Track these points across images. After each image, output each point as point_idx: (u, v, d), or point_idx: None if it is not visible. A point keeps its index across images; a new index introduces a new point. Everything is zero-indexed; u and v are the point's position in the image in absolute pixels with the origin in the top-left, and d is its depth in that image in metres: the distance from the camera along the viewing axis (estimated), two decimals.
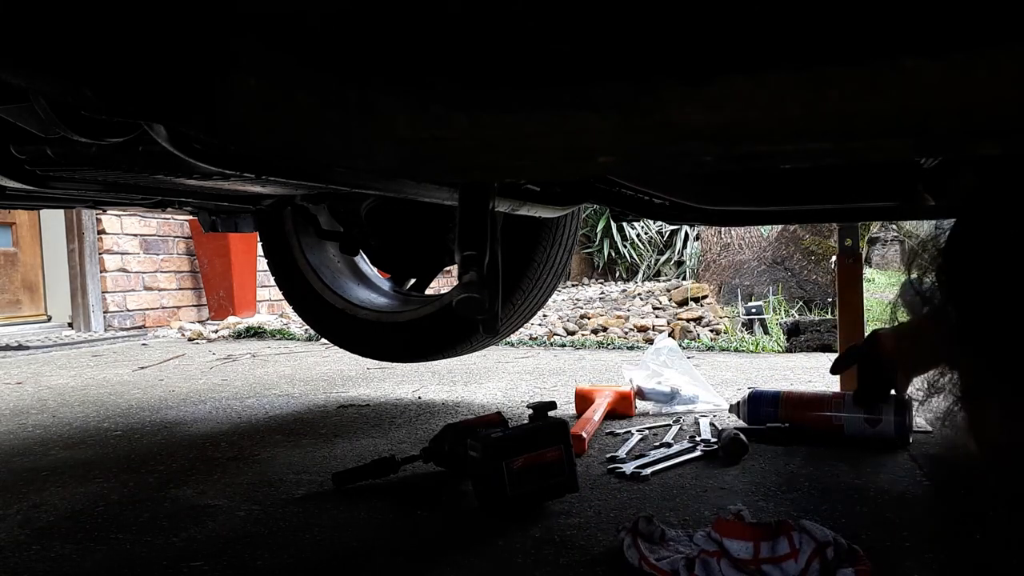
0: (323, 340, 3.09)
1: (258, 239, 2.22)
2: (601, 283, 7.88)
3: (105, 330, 4.61)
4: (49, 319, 4.95)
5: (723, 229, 4.82)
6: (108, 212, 4.63)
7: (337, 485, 1.24)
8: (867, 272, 8.45)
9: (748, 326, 3.58)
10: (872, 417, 1.40)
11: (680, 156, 0.54)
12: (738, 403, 1.57)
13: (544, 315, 4.43)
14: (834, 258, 1.76)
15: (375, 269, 2.16)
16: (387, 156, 0.56)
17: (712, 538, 0.85)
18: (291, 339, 3.97)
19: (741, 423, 1.56)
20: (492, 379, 2.39)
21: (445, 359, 2.09)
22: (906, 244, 11.36)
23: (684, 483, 1.22)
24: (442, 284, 6.39)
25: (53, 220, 4.77)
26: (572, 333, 3.82)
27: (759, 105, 0.45)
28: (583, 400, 1.77)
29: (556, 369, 2.60)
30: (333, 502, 1.17)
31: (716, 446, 1.40)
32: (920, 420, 1.60)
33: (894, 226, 11.40)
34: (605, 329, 3.85)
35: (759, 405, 1.52)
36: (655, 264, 8.26)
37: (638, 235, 8.24)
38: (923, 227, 12.53)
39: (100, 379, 2.68)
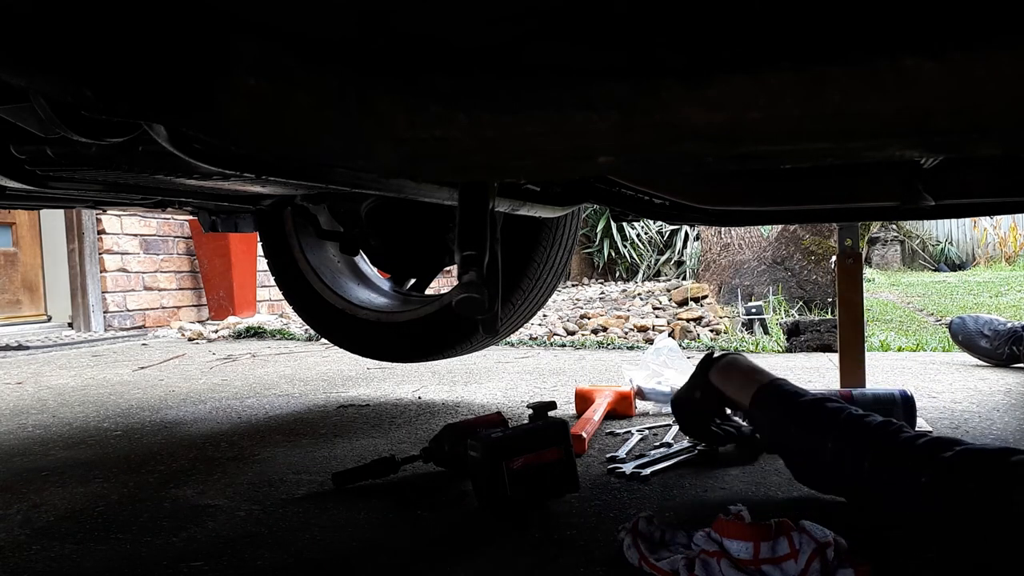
0: (323, 340, 3.09)
1: (258, 239, 2.22)
2: (601, 283, 7.88)
3: (105, 330, 4.61)
4: (49, 319, 4.95)
5: (723, 229, 4.82)
6: (108, 212, 4.64)
7: (337, 485, 1.24)
8: (867, 272, 8.45)
9: (748, 326, 3.58)
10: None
11: (680, 156, 0.54)
12: None
13: (544, 315, 4.43)
14: (834, 258, 1.76)
15: (375, 269, 2.16)
16: (387, 156, 0.56)
17: (712, 538, 0.85)
18: (291, 339, 3.97)
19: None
20: (492, 379, 2.39)
21: (445, 359, 2.10)
22: (906, 244, 11.36)
23: (684, 483, 1.22)
24: (442, 284, 6.40)
25: (53, 220, 4.78)
26: (572, 333, 3.82)
27: (759, 105, 0.45)
28: (583, 400, 1.77)
29: (556, 369, 2.60)
30: (333, 502, 1.17)
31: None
32: (921, 421, 1.60)
33: (894, 226, 11.41)
34: (605, 329, 3.85)
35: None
36: (655, 264, 8.27)
37: (638, 235, 8.24)
38: (923, 227, 12.46)
39: (100, 379, 2.68)
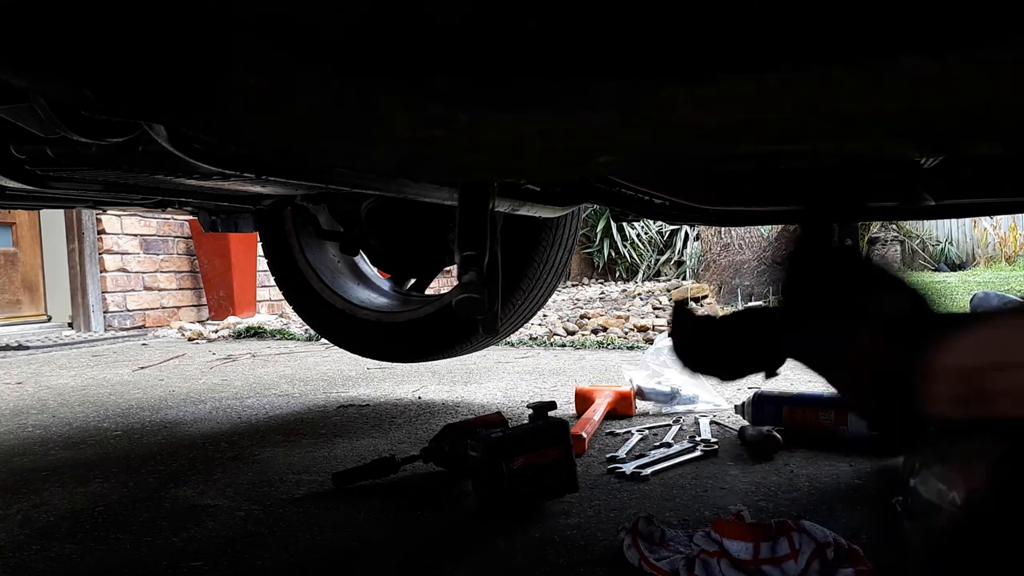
0: (323, 340, 3.09)
1: (258, 239, 2.22)
2: (601, 283, 7.88)
3: (105, 330, 4.61)
4: (49, 319, 4.95)
5: (723, 229, 4.82)
6: (108, 212, 4.63)
7: (337, 485, 1.24)
8: None
9: None
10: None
11: (680, 156, 0.54)
12: (743, 404, 1.57)
13: (544, 315, 4.43)
14: None
15: (375, 269, 2.16)
16: (387, 156, 0.56)
17: (712, 538, 0.85)
18: (291, 339, 3.97)
19: (745, 422, 1.56)
20: (492, 379, 2.39)
21: (445, 359, 2.09)
22: (906, 244, 11.35)
23: (684, 483, 1.22)
24: (442, 284, 6.40)
25: (53, 220, 4.77)
26: (572, 333, 3.82)
27: (759, 105, 0.45)
28: (583, 400, 1.77)
29: (556, 369, 2.60)
30: (333, 502, 1.17)
31: (716, 446, 1.40)
32: None
33: (894, 226, 11.40)
34: (605, 329, 3.85)
35: (764, 407, 1.52)
36: (655, 264, 8.27)
37: (638, 235, 8.24)
38: (923, 227, 12.48)
39: (100, 379, 2.68)
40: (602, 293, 6.05)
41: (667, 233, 8.22)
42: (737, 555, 0.81)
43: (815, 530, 0.82)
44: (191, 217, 3.55)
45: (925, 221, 9.24)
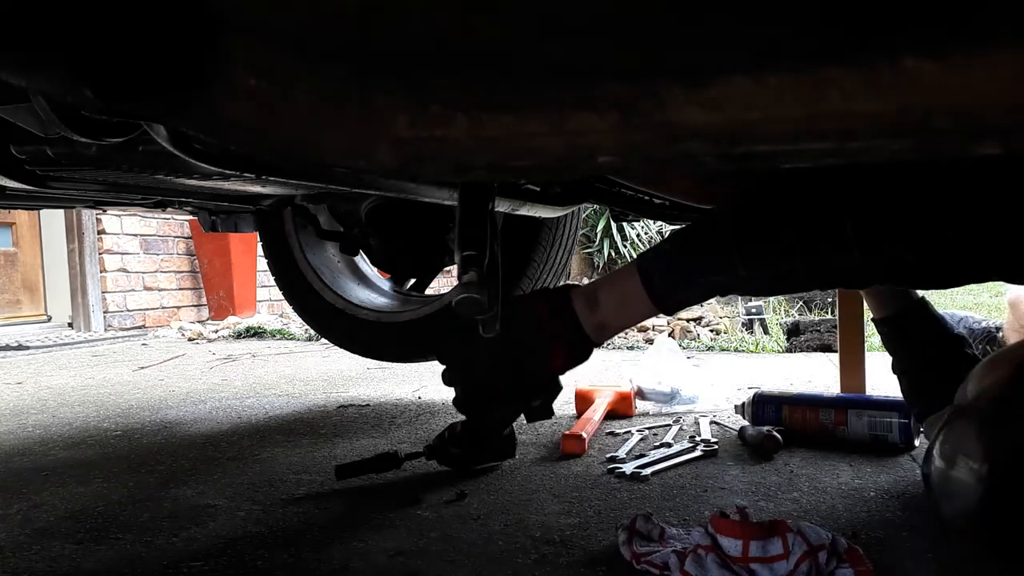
0: (323, 340, 3.09)
1: (258, 239, 2.23)
2: None
3: (105, 330, 4.61)
4: (49, 319, 4.96)
5: None
6: (108, 212, 4.64)
7: (339, 478, 1.24)
8: None
9: (748, 326, 3.58)
10: (878, 421, 1.40)
11: (680, 156, 0.54)
12: (743, 404, 1.57)
13: None
14: None
15: (375, 269, 2.16)
16: (387, 156, 0.56)
17: (708, 533, 0.85)
18: (291, 339, 3.97)
19: (745, 422, 1.56)
20: None
21: None
22: None
23: (684, 483, 1.22)
24: (442, 284, 6.40)
25: (53, 220, 4.78)
26: None
27: (759, 105, 0.45)
28: (583, 400, 1.77)
29: None
30: (333, 502, 1.17)
31: (716, 446, 1.40)
32: None
33: None
34: None
35: (764, 407, 1.52)
36: None
37: (638, 235, 8.24)
38: None
39: (100, 379, 2.68)
40: None
41: (667, 233, 8.22)
42: (727, 551, 0.81)
43: (810, 532, 0.82)
44: (191, 217, 3.55)
45: None
